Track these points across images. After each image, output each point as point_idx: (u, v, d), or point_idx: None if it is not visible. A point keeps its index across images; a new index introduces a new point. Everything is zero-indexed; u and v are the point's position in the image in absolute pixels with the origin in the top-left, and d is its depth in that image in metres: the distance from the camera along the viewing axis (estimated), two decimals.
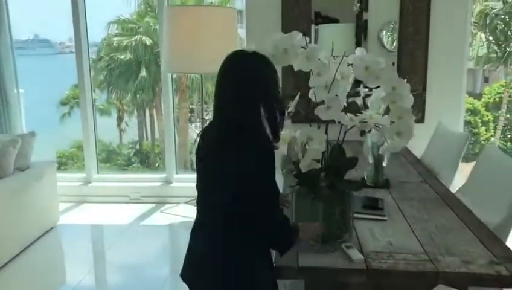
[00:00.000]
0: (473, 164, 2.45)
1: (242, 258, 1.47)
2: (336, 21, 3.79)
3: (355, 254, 1.54)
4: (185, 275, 1.59)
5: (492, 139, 11.57)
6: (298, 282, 1.64)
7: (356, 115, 1.63)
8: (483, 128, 11.88)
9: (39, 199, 3.58)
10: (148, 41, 11.70)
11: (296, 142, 1.61)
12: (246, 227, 1.45)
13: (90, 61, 4.57)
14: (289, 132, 1.62)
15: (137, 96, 12.25)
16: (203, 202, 1.57)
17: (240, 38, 4.06)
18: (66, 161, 12.66)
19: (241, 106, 1.49)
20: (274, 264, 1.53)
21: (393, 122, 1.58)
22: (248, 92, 1.50)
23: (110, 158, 13.05)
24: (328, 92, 1.55)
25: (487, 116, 12.00)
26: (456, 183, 2.76)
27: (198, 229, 1.58)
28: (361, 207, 1.95)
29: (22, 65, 4.27)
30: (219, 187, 1.49)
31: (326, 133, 1.59)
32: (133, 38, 11.84)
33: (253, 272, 1.49)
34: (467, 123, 11.21)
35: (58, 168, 12.23)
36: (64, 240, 3.74)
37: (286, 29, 1.60)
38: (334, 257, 1.55)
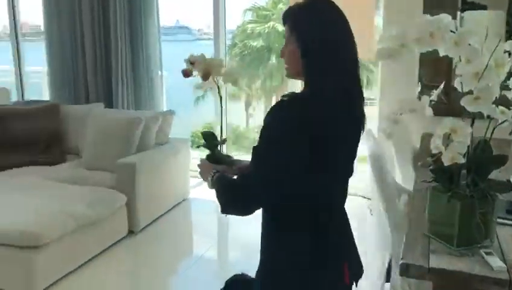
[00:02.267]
0: None
1: None
2: (483, 8, 3.43)
3: (495, 262, 1.39)
4: None
5: None
6: (424, 283, 1.54)
7: (510, 109, 1.45)
8: None
9: (174, 172, 3.87)
10: (280, 28, 11.88)
11: (434, 136, 1.49)
12: None
13: (227, 48, 4.70)
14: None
15: (267, 82, 12.56)
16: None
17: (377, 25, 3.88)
18: (198, 141, 13.53)
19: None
20: (390, 258, 1.45)
21: None
22: None
23: (237, 140, 13.64)
24: (478, 81, 1.40)
25: None
26: None
27: None
28: (504, 212, 1.75)
29: (165, 50, 4.55)
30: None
31: (471, 126, 1.45)
32: (266, 25, 12.14)
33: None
34: None
35: (191, 147, 13.19)
36: (194, 212, 4.00)
37: (428, 14, 1.48)
38: (470, 262, 1.41)
